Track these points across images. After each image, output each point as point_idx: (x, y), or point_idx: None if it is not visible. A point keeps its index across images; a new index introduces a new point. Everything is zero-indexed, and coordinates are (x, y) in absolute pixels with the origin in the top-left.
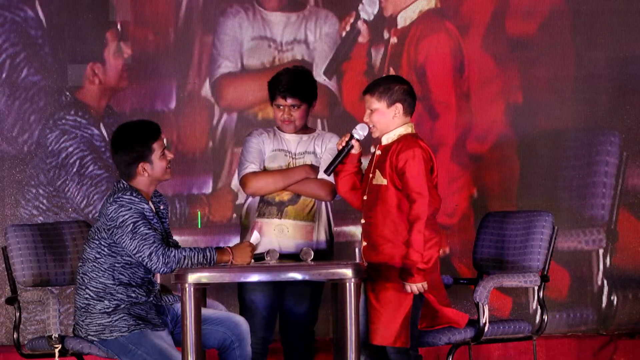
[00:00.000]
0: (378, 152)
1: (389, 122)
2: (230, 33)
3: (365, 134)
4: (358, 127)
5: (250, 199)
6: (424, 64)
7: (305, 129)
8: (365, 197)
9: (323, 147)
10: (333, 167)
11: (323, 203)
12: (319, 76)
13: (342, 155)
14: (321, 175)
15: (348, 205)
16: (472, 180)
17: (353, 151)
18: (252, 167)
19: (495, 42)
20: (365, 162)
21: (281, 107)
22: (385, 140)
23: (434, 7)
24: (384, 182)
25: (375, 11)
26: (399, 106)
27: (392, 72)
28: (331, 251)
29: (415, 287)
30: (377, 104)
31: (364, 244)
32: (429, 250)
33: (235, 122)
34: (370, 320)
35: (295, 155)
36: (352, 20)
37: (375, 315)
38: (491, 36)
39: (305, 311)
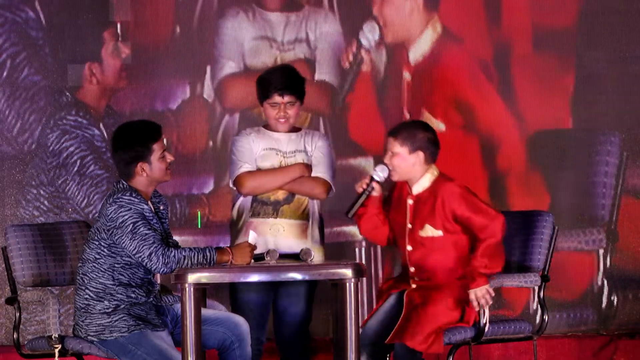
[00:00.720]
0: (410, 202)
1: (409, 168)
2: (231, 34)
3: (386, 175)
4: (377, 168)
5: (241, 199)
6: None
7: (292, 127)
8: (409, 248)
9: (313, 145)
10: (354, 211)
11: (315, 201)
12: (322, 75)
13: (362, 199)
14: (315, 173)
15: (347, 206)
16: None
17: (374, 193)
18: (246, 167)
19: (495, 44)
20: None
21: (276, 105)
22: (416, 189)
23: (441, 32)
24: (439, 233)
25: (377, 37)
26: (420, 154)
27: (424, 111)
28: (324, 248)
29: (480, 292)
30: (399, 149)
31: (413, 286)
32: (492, 263)
33: (238, 122)
34: (410, 323)
35: (286, 153)
36: (354, 49)
37: (416, 318)
38: (489, 39)
39: (301, 311)
